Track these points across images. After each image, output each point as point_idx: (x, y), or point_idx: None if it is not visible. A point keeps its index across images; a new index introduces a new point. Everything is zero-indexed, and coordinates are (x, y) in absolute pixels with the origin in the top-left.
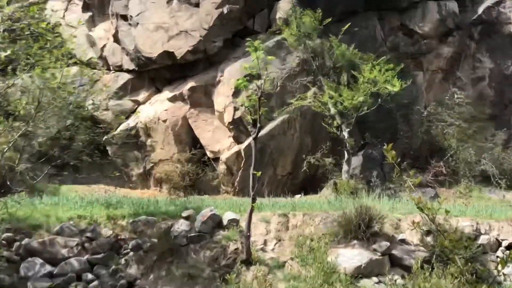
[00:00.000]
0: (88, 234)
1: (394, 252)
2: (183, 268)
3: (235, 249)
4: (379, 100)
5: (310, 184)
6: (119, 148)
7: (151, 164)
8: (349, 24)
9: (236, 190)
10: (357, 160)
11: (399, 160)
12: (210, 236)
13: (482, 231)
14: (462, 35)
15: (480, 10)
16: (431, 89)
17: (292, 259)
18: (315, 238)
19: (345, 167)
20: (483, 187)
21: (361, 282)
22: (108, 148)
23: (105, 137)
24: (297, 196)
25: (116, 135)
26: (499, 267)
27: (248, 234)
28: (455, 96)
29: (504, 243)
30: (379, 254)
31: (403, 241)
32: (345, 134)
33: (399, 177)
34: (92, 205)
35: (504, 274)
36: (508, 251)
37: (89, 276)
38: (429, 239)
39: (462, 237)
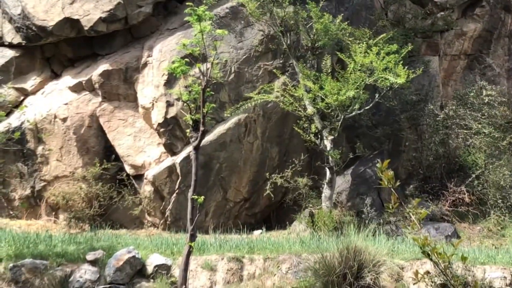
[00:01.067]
0: None
1: None
2: None
3: None
4: (377, 96)
5: (276, 215)
6: None
7: (43, 183)
8: None
9: (168, 222)
10: (343, 182)
11: (399, 183)
12: None
13: None
14: (494, 6)
15: None
16: (450, 81)
17: None
18: None
19: (326, 191)
20: None
21: None
22: None
23: None
24: (257, 232)
25: None
26: None
27: (184, 286)
28: (484, 92)
29: None
30: None
31: None
32: (327, 143)
33: (398, 207)
34: None
35: None
36: None
37: None
38: None
39: None
